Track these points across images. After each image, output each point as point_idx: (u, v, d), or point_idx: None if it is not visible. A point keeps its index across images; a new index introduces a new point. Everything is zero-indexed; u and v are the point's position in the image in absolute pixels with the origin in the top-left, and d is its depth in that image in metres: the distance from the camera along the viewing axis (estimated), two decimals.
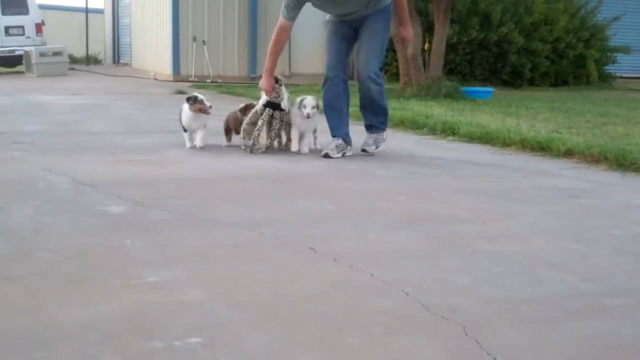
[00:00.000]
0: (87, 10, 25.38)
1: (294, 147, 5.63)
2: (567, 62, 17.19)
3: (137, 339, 2.05)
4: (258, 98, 5.68)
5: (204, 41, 16.13)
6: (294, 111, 5.56)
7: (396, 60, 12.31)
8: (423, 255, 2.98)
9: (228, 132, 5.90)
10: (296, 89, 10.52)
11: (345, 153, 5.49)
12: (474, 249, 3.09)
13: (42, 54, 17.63)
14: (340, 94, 5.63)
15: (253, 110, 5.54)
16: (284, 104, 5.52)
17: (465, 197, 4.20)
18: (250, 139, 5.54)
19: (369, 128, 5.77)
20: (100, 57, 25.84)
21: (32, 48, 17.89)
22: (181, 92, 11.90)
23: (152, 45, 18.07)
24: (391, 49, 12.61)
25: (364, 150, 5.67)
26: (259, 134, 5.51)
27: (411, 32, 5.94)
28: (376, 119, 5.75)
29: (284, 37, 5.57)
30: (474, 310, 2.34)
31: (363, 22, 5.52)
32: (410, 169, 5.12)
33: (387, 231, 3.37)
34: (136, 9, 20.14)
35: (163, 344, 2.02)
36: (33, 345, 2.00)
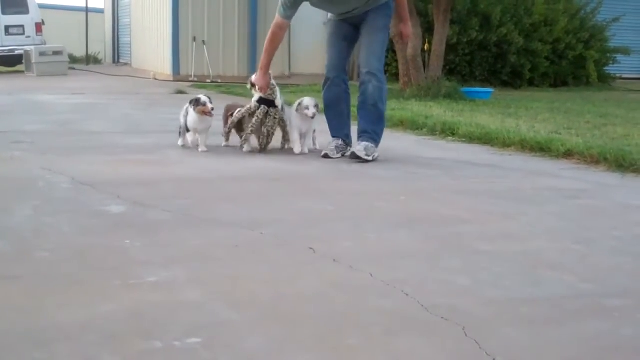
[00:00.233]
0: (87, 10, 25.36)
1: (297, 149, 5.59)
2: (566, 63, 17.20)
3: (136, 339, 2.05)
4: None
5: (203, 41, 16.14)
6: (293, 113, 5.54)
7: (396, 61, 12.32)
8: (423, 256, 2.99)
9: (229, 132, 5.83)
10: (296, 89, 10.53)
11: (344, 154, 5.45)
12: (474, 250, 3.09)
13: (42, 54, 17.63)
14: (341, 95, 5.60)
15: (247, 106, 5.51)
16: (278, 101, 5.50)
17: (465, 198, 4.20)
18: (244, 136, 5.54)
19: (362, 135, 5.43)
20: (100, 56, 25.83)
21: (32, 47, 17.90)
22: (181, 92, 11.94)
23: (152, 45, 18.07)
24: (391, 50, 12.60)
25: (354, 156, 5.29)
26: (252, 131, 5.48)
27: (411, 29, 5.87)
28: (370, 125, 5.42)
29: (280, 36, 5.53)
30: (473, 310, 2.34)
31: (364, 18, 5.46)
32: (409, 170, 5.12)
33: (387, 231, 3.37)
34: (136, 9, 20.14)
35: (163, 344, 2.02)
36: (33, 345, 2.00)
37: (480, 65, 16.14)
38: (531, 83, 16.76)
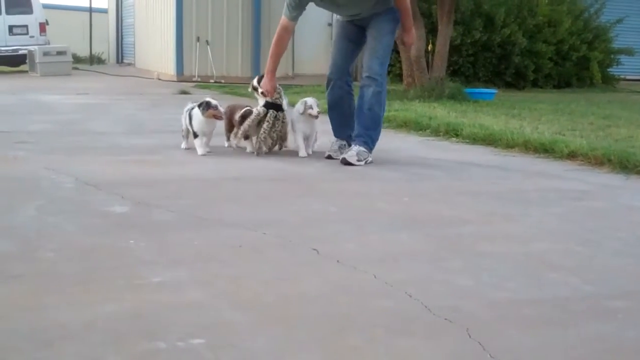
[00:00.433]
0: (91, 10, 25.42)
1: (302, 153, 5.52)
2: (570, 64, 17.18)
3: (140, 339, 2.05)
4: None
5: (207, 41, 16.15)
6: (297, 115, 5.49)
7: (399, 62, 12.32)
8: (426, 257, 2.99)
9: (230, 129, 5.74)
10: (299, 90, 10.53)
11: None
12: (477, 251, 3.09)
13: (45, 54, 17.65)
14: (344, 97, 5.58)
15: (255, 112, 5.41)
16: (285, 105, 5.48)
17: (468, 199, 4.20)
18: (257, 142, 5.44)
19: (355, 139, 5.33)
20: (103, 56, 25.89)
21: (36, 47, 17.92)
22: (184, 93, 11.95)
23: (155, 45, 18.09)
24: (395, 50, 12.58)
25: (344, 161, 5.18)
26: (264, 137, 5.41)
27: (413, 36, 5.76)
28: (365, 129, 5.32)
29: (286, 38, 5.50)
30: (477, 312, 2.34)
31: (370, 21, 5.41)
32: (413, 171, 5.12)
33: (390, 232, 3.37)
34: (140, 9, 20.16)
35: (166, 344, 2.02)
36: (36, 344, 2.00)
37: (483, 66, 16.14)
38: (535, 84, 16.74)
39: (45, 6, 21.36)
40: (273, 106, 5.41)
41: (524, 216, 3.78)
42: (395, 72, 14.22)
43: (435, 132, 7.14)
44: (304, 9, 5.40)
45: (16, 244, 2.99)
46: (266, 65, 5.53)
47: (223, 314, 2.27)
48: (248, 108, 5.52)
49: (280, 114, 5.43)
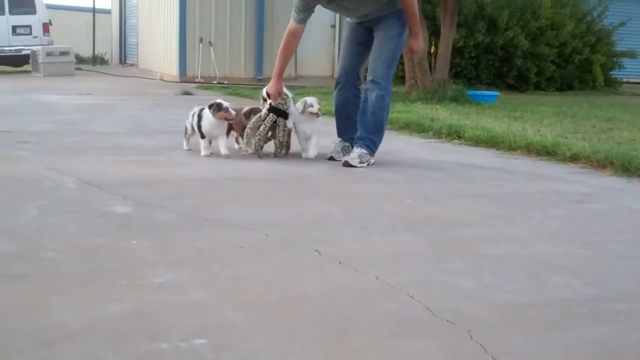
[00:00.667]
0: (94, 11, 25.46)
1: (309, 154, 5.47)
2: (573, 67, 17.18)
3: (142, 339, 2.06)
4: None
5: (210, 42, 16.16)
6: (297, 115, 5.42)
7: (402, 63, 12.32)
8: (428, 259, 2.99)
9: (228, 132, 5.66)
10: (302, 91, 10.53)
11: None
12: (479, 253, 3.09)
13: (49, 54, 17.67)
14: (350, 99, 5.57)
15: (257, 116, 5.38)
16: (290, 111, 5.38)
17: (470, 201, 4.19)
18: (253, 145, 5.40)
19: (357, 141, 5.36)
20: (106, 57, 25.91)
21: (39, 47, 17.93)
22: (187, 93, 11.96)
23: (158, 46, 18.10)
24: None
25: (346, 164, 5.20)
26: (259, 140, 5.36)
27: (421, 43, 5.65)
28: (367, 133, 5.34)
29: (294, 43, 5.47)
30: (479, 314, 2.34)
31: (378, 23, 5.37)
32: (415, 172, 5.12)
33: (392, 234, 3.37)
34: (143, 10, 20.18)
35: (168, 345, 2.02)
36: (38, 344, 2.01)
37: (486, 68, 16.14)
38: (537, 87, 16.75)
39: (49, 6, 21.37)
40: (275, 111, 5.35)
41: (526, 218, 3.78)
42: (397, 74, 14.18)
43: (438, 134, 7.14)
44: (312, 11, 5.37)
45: (18, 244, 2.99)
46: (274, 69, 5.49)
47: (225, 315, 2.27)
48: (258, 107, 5.53)
49: (280, 119, 5.35)
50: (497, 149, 6.30)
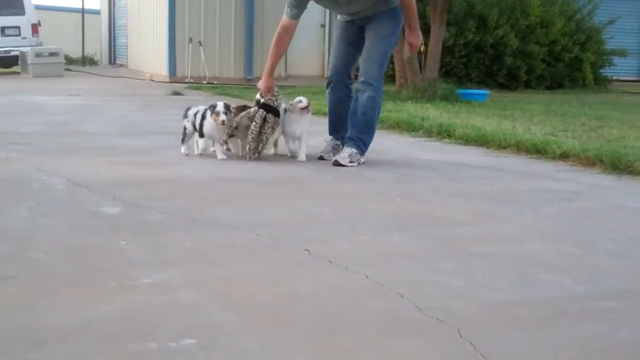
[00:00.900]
0: (83, 11, 25.39)
1: (301, 157, 5.38)
2: (563, 65, 17.22)
3: (132, 340, 2.05)
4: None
5: (200, 42, 16.13)
6: (286, 117, 5.34)
7: (392, 62, 12.33)
8: (418, 258, 2.99)
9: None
10: (293, 91, 10.53)
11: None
12: (469, 251, 3.09)
13: (38, 55, 17.60)
14: (342, 99, 5.55)
15: (245, 112, 5.31)
16: (280, 109, 5.31)
17: (460, 200, 4.20)
18: (247, 145, 5.29)
19: (348, 141, 5.35)
20: (96, 58, 25.84)
21: (28, 48, 17.86)
22: (177, 94, 11.94)
23: (148, 47, 18.06)
24: None
25: (336, 163, 5.20)
26: (252, 138, 5.25)
27: (420, 38, 5.61)
28: (357, 133, 5.33)
29: (286, 38, 5.39)
30: (469, 312, 2.34)
31: (370, 22, 5.33)
32: (405, 171, 5.12)
33: (382, 233, 3.37)
34: (132, 10, 20.14)
35: (158, 345, 2.02)
36: (28, 346, 2.00)
37: (476, 67, 16.16)
38: (527, 85, 16.78)
39: (38, 7, 21.31)
40: (265, 107, 5.27)
41: (516, 217, 3.79)
42: (387, 73, 14.13)
43: (428, 133, 7.15)
44: (305, 7, 5.32)
45: (7, 245, 2.98)
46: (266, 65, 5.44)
47: (215, 315, 2.27)
48: (247, 105, 5.47)
49: (270, 115, 5.24)
50: (487, 148, 6.31)
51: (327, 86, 5.65)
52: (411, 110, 8.94)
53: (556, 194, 4.44)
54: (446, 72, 15.05)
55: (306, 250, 2.99)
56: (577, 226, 3.64)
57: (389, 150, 6.07)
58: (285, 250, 3.03)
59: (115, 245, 3.00)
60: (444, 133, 6.97)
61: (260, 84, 5.34)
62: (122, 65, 21.62)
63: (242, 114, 5.32)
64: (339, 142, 5.53)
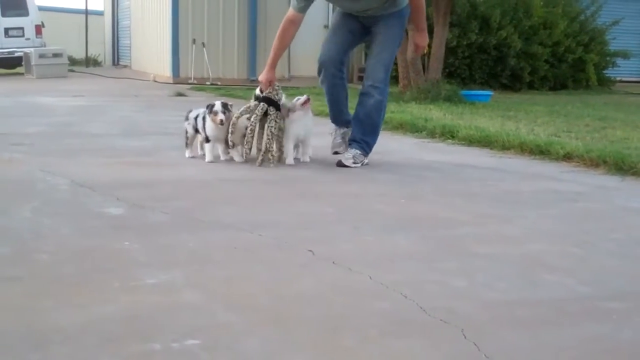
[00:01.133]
0: (86, 12, 25.43)
1: (290, 160, 5.21)
2: (566, 66, 17.22)
3: (135, 341, 2.05)
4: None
5: (203, 43, 16.15)
6: (289, 118, 5.18)
7: (395, 63, 12.32)
8: (421, 258, 2.99)
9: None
10: (295, 92, 10.53)
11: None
12: (472, 252, 3.09)
13: (41, 56, 17.63)
14: (337, 84, 5.38)
15: (245, 106, 5.15)
16: (281, 103, 5.15)
17: (464, 200, 4.20)
18: (245, 144, 5.13)
19: (352, 143, 5.31)
20: (99, 58, 25.88)
21: (32, 49, 17.89)
22: (180, 94, 11.96)
23: (151, 47, 18.08)
24: None
25: (340, 164, 5.18)
26: (252, 136, 5.08)
27: (426, 39, 5.57)
28: (362, 135, 5.28)
29: (290, 31, 5.24)
30: (472, 313, 2.34)
31: (377, 23, 5.24)
32: (408, 172, 5.12)
33: (386, 234, 3.37)
34: (136, 11, 20.16)
35: (161, 346, 2.02)
36: (31, 346, 2.00)
37: (479, 68, 16.16)
38: (531, 86, 16.78)
39: (41, 8, 21.36)
40: (266, 100, 5.09)
41: (520, 218, 3.78)
42: (390, 75, 14.21)
43: (431, 134, 7.15)
44: (313, 0, 5.18)
45: (11, 246, 2.98)
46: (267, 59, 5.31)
47: (218, 315, 2.27)
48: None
49: (271, 109, 5.06)
50: (491, 149, 6.30)
51: (318, 73, 5.42)
52: (414, 111, 8.94)
53: (560, 195, 4.44)
54: (449, 73, 15.05)
55: (309, 250, 2.99)
56: (581, 227, 3.64)
57: (393, 151, 6.07)
58: (289, 250, 3.03)
59: (118, 246, 3.00)
60: (448, 134, 6.96)
61: (261, 77, 5.19)
62: (125, 66, 21.65)
63: (242, 108, 5.16)
64: (345, 129, 5.48)
